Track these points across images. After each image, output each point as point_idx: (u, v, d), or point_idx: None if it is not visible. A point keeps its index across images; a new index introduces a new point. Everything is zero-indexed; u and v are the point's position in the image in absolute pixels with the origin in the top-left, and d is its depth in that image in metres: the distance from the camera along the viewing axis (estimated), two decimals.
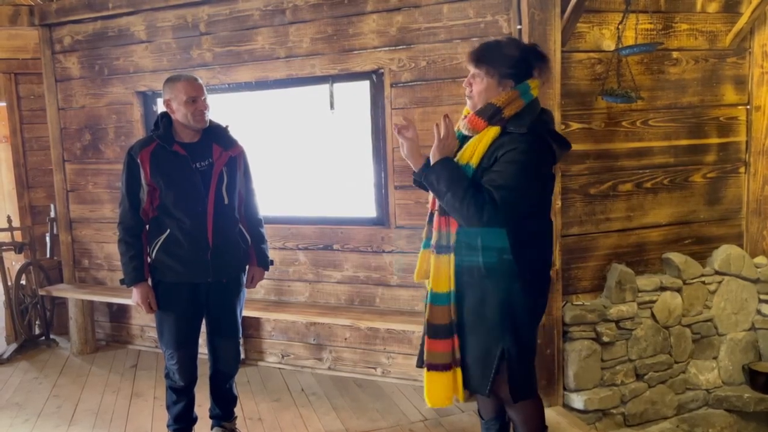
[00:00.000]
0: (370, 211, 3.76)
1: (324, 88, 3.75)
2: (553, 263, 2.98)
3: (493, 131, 2.03)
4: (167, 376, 2.75)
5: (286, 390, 3.71)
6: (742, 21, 3.39)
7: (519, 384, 2.12)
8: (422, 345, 2.21)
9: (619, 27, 3.16)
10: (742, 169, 3.63)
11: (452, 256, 2.10)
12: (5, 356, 4.35)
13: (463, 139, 2.13)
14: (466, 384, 2.18)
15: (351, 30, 3.60)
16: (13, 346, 4.50)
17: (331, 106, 3.75)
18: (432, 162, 2.09)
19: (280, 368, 4.05)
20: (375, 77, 3.62)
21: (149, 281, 2.64)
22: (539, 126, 2.04)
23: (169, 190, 2.55)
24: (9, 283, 4.58)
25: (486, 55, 2.08)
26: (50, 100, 4.56)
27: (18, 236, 4.72)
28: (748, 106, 3.58)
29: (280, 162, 4.00)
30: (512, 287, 2.09)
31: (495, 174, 1.99)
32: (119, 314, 4.64)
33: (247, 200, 2.83)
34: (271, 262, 2.94)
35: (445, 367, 2.17)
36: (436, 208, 2.15)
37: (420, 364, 2.24)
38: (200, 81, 2.63)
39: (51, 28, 4.48)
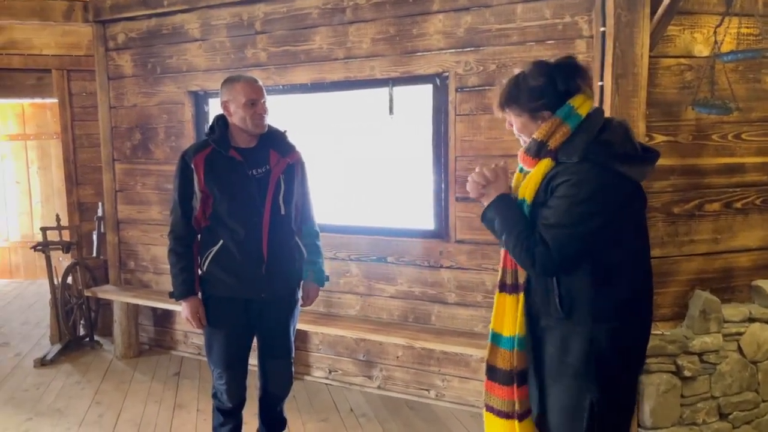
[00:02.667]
0: (428, 223, 3.53)
1: (383, 92, 3.54)
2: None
3: (545, 163, 1.79)
4: (215, 396, 2.58)
5: (334, 409, 3.51)
6: None
7: None
8: None
9: (717, 31, 2.86)
10: None
11: (520, 296, 1.86)
12: (49, 357, 4.28)
13: (526, 174, 1.90)
14: None
15: (415, 30, 3.39)
16: (57, 347, 4.43)
17: (390, 111, 3.55)
18: (487, 201, 1.88)
19: (327, 384, 3.86)
20: (439, 81, 3.40)
21: (199, 295, 2.47)
22: (597, 149, 1.75)
23: (224, 197, 2.37)
24: (56, 283, 4.52)
25: (508, 97, 1.86)
26: (102, 98, 4.48)
27: (66, 235, 4.66)
28: None
29: (335, 168, 3.81)
30: (597, 330, 1.82)
31: (548, 210, 1.75)
32: (163, 319, 4.53)
33: (304, 211, 2.64)
34: (327, 278, 2.74)
35: (503, 415, 1.93)
36: None
37: None
38: (260, 83, 2.46)
39: (105, 24, 4.40)
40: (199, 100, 4.22)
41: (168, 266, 2.51)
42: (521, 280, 1.86)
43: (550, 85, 1.80)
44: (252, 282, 2.41)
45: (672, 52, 2.97)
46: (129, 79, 4.39)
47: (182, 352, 4.45)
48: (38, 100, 5.97)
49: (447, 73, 3.33)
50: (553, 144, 1.77)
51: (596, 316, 1.79)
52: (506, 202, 1.84)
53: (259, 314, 2.51)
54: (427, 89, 3.44)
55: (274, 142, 2.50)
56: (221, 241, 2.40)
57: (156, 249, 4.42)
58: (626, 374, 1.92)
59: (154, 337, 4.60)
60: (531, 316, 1.88)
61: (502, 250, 1.92)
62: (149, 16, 4.22)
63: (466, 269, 3.40)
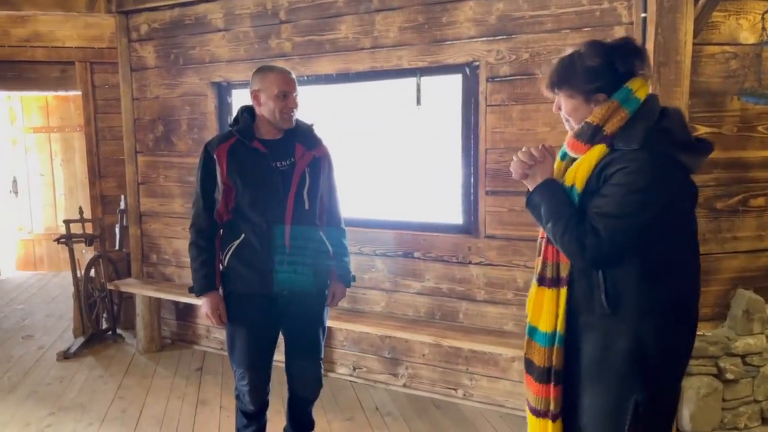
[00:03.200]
0: (457, 217, 3.43)
1: (411, 82, 3.44)
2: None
3: (599, 149, 1.67)
4: (237, 398, 2.50)
5: (359, 407, 3.43)
6: None
7: None
8: None
9: (765, 17, 2.71)
10: None
11: (562, 291, 1.75)
12: (72, 351, 4.26)
13: (570, 161, 1.78)
14: None
15: (444, 18, 3.27)
16: (80, 340, 4.42)
17: (418, 102, 3.44)
18: (533, 185, 1.76)
19: (351, 381, 3.78)
20: (468, 70, 3.28)
21: (220, 291, 2.39)
22: (658, 136, 1.63)
23: (246, 189, 2.29)
24: (79, 275, 4.50)
25: (561, 77, 1.73)
26: (125, 90, 4.43)
27: (88, 228, 4.64)
28: None
29: (360, 160, 3.72)
30: (643, 328, 1.71)
31: (601, 199, 1.63)
32: (186, 313, 4.49)
33: (330, 207, 2.55)
34: (354, 278, 2.64)
35: (536, 413, 1.83)
36: (545, 235, 1.82)
37: None
38: (293, 76, 2.37)
39: (128, 15, 4.35)
40: (222, 91, 4.15)
41: (189, 260, 2.44)
42: (563, 273, 1.74)
43: (607, 67, 1.68)
44: (273, 277, 2.32)
45: (716, 39, 2.83)
46: (152, 70, 4.33)
47: (205, 347, 4.40)
48: (62, 93, 5.95)
49: (477, 63, 3.22)
50: (609, 129, 1.65)
51: (643, 312, 1.69)
52: (554, 186, 1.72)
53: (284, 312, 2.43)
54: (457, 79, 3.33)
55: (301, 135, 2.41)
56: (243, 235, 2.32)
57: (178, 242, 4.37)
58: (671, 375, 1.81)
59: (177, 331, 4.56)
60: (569, 312, 1.77)
61: (542, 241, 1.81)
62: (172, 7, 4.16)
63: (497, 265, 3.29)
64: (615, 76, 1.68)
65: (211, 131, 4.10)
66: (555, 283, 1.76)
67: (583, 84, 1.70)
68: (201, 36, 4.10)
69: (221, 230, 2.41)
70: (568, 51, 1.76)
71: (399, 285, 3.60)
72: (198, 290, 2.37)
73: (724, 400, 2.90)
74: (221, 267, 2.40)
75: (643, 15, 2.74)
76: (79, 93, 5.12)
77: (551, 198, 1.70)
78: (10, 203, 7.00)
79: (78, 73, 5.03)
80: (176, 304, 4.47)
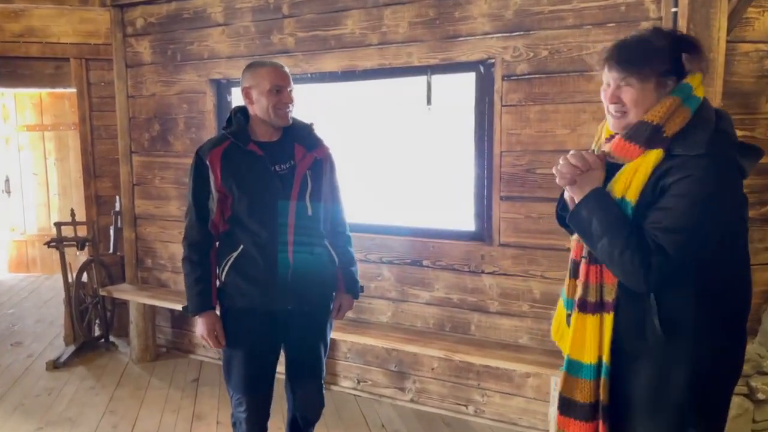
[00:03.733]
0: (469, 224, 3.24)
1: (421, 81, 3.25)
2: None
3: (655, 155, 1.47)
4: (234, 425, 2.29)
5: (364, 424, 3.25)
6: None
7: None
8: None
9: None
10: None
11: (607, 317, 1.56)
12: (62, 360, 4.07)
13: (609, 168, 1.57)
14: None
15: (457, 13, 3.09)
16: (71, 348, 4.22)
17: (428, 101, 3.25)
18: (579, 195, 1.55)
19: (355, 395, 3.59)
20: (483, 68, 3.10)
21: (217, 309, 2.20)
22: (720, 139, 1.46)
23: (243, 196, 2.09)
24: (70, 281, 4.31)
25: (634, 54, 1.51)
26: (119, 87, 4.25)
27: (82, 230, 4.45)
28: None
29: (366, 163, 3.53)
30: (700, 352, 1.53)
31: (662, 212, 1.45)
32: (181, 320, 4.30)
33: (334, 213, 2.35)
34: (362, 289, 2.45)
35: None
36: (584, 254, 1.62)
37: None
38: (287, 70, 2.18)
39: (123, 9, 4.16)
40: (222, 89, 3.97)
41: (183, 276, 2.23)
42: (608, 297, 1.56)
43: (675, 51, 1.49)
44: (276, 290, 2.12)
45: (750, 37, 2.65)
46: (148, 66, 4.15)
47: (201, 356, 4.21)
48: (56, 90, 5.77)
49: (493, 60, 3.03)
50: (670, 130, 1.46)
51: (700, 335, 1.52)
52: (606, 199, 1.51)
53: (286, 328, 2.23)
54: (470, 78, 3.15)
55: (300, 135, 2.22)
56: (241, 246, 2.12)
57: (174, 246, 4.18)
58: (725, 401, 1.64)
59: (172, 340, 4.37)
60: (613, 341, 1.59)
61: (582, 261, 1.62)
62: (169, 0, 3.97)
63: (511, 275, 3.10)
64: (679, 66, 1.49)
65: (210, 131, 3.92)
66: (598, 308, 1.58)
67: (657, 64, 1.48)
68: (199, 31, 3.92)
69: (217, 242, 2.21)
70: (630, 34, 1.56)
71: (407, 294, 3.41)
72: (193, 310, 2.17)
73: (754, 422, 2.73)
74: (218, 282, 2.21)
75: (674, 9, 2.56)
76: (73, 90, 4.93)
77: (606, 211, 1.50)
78: (2, 203, 6.81)
79: (73, 69, 4.85)
80: (172, 311, 4.28)
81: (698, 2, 2.47)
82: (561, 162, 1.58)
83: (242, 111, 2.19)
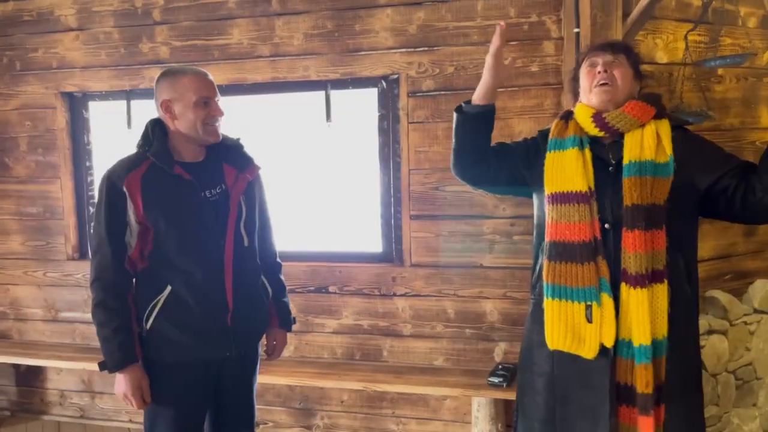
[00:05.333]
0: (377, 245, 3.10)
1: (320, 96, 3.06)
2: None
3: (667, 123, 1.68)
4: None
5: None
6: None
7: None
8: None
9: (687, 37, 2.77)
10: None
11: (659, 287, 1.52)
12: None
13: (591, 143, 1.71)
14: None
15: (358, 26, 2.96)
16: None
17: (328, 117, 3.07)
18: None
19: None
20: (386, 84, 3.00)
21: (139, 362, 1.83)
22: None
23: (171, 229, 1.77)
24: None
25: (629, 48, 1.84)
26: None
27: None
28: None
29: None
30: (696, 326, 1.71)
31: (725, 155, 1.68)
32: (29, 376, 3.62)
33: (264, 238, 2.08)
34: (294, 321, 2.20)
35: None
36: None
37: None
38: (212, 77, 1.90)
39: None
40: (76, 103, 3.42)
41: (96, 326, 1.82)
42: (658, 265, 1.53)
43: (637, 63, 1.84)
44: (216, 338, 1.82)
45: None
46: None
47: (58, 416, 3.57)
48: None
49: (397, 75, 2.94)
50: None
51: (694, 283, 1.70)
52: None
53: (218, 377, 1.91)
54: (372, 93, 3.03)
55: (227, 153, 1.94)
56: (169, 288, 1.79)
57: (17, 290, 3.53)
58: None
59: (18, 400, 3.66)
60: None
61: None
62: (5, 0, 3.36)
63: (424, 296, 3.01)
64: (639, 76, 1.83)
65: (63, 151, 3.37)
66: (656, 277, 1.52)
67: (636, 60, 1.81)
68: (46, 36, 3.36)
69: (134, 281, 1.83)
70: None
71: (311, 325, 3.17)
72: (114, 365, 1.78)
73: None
74: (139, 330, 1.83)
75: (576, 30, 2.66)
76: None
77: None
78: None
79: None
80: (16, 367, 3.58)
81: (599, 24, 2.61)
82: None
83: (159, 125, 1.85)
